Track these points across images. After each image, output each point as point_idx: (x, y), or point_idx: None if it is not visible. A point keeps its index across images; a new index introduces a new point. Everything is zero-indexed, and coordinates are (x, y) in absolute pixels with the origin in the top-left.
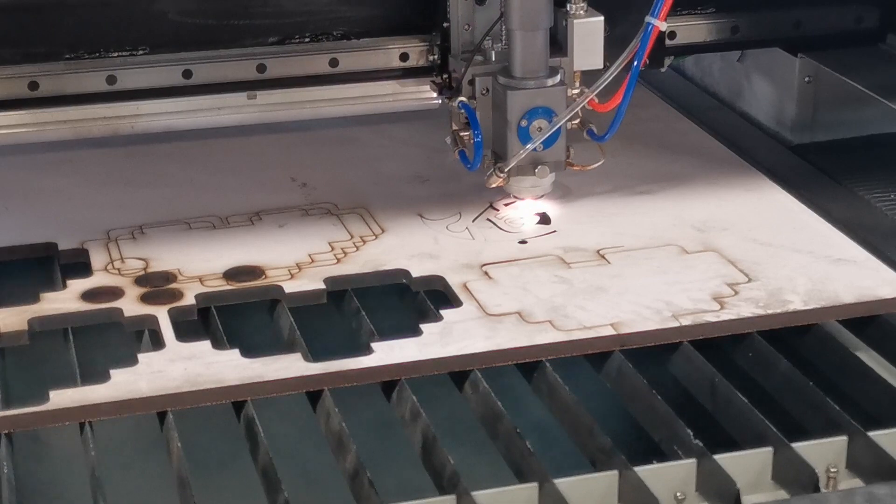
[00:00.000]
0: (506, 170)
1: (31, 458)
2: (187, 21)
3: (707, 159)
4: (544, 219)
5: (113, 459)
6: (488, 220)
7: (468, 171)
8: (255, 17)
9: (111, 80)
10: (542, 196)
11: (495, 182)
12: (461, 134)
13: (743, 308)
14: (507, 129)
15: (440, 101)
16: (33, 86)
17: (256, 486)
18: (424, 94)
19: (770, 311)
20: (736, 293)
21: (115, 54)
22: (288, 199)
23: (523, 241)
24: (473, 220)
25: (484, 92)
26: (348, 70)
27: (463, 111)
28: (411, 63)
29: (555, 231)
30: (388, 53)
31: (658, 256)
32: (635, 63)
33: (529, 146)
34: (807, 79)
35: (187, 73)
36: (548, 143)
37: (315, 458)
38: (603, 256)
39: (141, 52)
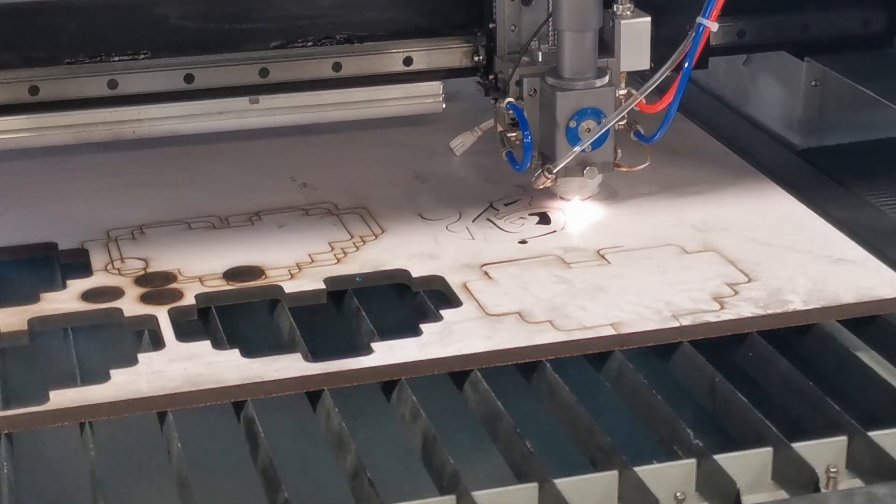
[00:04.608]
0: (554, 171)
1: (31, 458)
2: (189, 25)
3: (707, 159)
4: (544, 219)
5: (113, 459)
6: (489, 220)
7: (517, 171)
8: (257, 21)
9: (112, 84)
10: (588, 197)
11: (543, 183)
12: (508, 135)
13: (743, 308)
14: (556, 130)
15: (444, 105)
16: (34, 90)
17: (256, 486)
18: (430, 97)
19: (770, 311)
20: (736, 293)
21: (117, 58)
22: (288, 199)
23: (523, 241)
24: (473, 220)
25: (532, 93)
26: (353, 74)
27: (511, 111)
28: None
29: (555, 231)
30: (393, 57)
31: (658, 256)
32: (686, 64)
33: (578, 147)
34: (813, 83)
35: (189, 78)
36: (596, 144)
37: (315, 458)
38: (603, 256)
39: (142, 56)
